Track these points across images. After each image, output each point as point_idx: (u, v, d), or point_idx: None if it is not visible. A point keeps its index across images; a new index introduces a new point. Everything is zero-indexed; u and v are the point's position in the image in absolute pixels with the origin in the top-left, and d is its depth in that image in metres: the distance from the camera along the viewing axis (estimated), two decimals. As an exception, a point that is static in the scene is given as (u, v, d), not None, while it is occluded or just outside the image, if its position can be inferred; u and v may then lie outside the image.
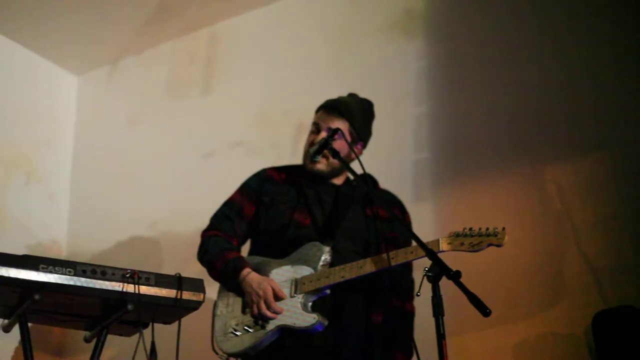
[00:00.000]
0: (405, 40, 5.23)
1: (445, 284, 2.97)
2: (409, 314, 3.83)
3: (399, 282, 3.68)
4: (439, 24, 5.22)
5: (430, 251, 3.11)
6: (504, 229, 3.26)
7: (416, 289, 3.12)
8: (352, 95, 4.06)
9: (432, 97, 5.02)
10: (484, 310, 2.85)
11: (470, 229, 3.31)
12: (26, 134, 6.26)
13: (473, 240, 3.28)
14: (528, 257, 4.29)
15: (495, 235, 3.25)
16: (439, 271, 3.00)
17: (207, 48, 6.17)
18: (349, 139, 3.84)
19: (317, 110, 4.00)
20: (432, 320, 2.95)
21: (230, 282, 3.73)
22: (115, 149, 6.40)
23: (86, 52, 6.48)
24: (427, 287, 3.00)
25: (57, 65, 6.60)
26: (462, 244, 3.30)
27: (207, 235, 3.93)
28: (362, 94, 4.08)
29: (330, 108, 3.94)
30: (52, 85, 6.60)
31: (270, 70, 5.79)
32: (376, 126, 4.07)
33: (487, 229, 3.28)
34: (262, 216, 3.93)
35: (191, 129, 6.04)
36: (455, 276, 2.95)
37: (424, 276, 3.03)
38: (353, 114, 3.91)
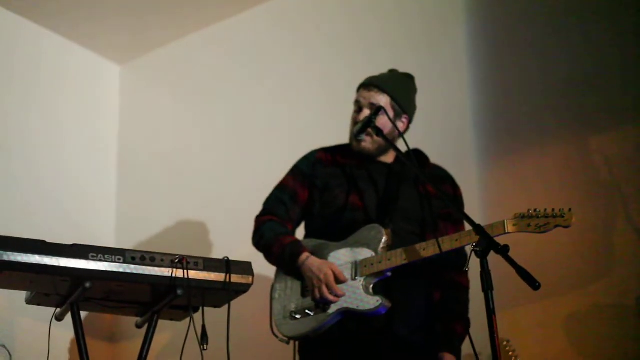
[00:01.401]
0: (451, 13, 5.20)
1: (493, 258, 2.97)
2: (465, 287, 3.82)
3: (452, 257, 3.66)
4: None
5: (478, 226, 3.09)
6: (570, 209, 3.24)
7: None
8: (392, 71, 4.03)
9: (474, 75, 4.98)
10: (534, 284, 2.85)
11: (535, 210, 3.29)
12: (71, 124, 6.31)
13: (539, 221, 3.26)
14: (576, 228, 4.20)
15: (562, 217, 3.24)
16: (487, 246, 2.98)
17: (250, 32, 6.16)
18: (391, 113, 3.81)
19: (358, 89, 3.97)
20: (482, 295, 2.94)
21: (289, 267, 3.74)
22: (160, 136, 6.44)
23: (127, 41, 6.51)
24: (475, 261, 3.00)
25: (98, 55, 6.64)
26: (528, 225, 3.28)
27: (262, 220, 3.93)
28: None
29: (370, 84, 3.91)
30: (94, 75, 6.64)
31: (319, 53, 5.74)
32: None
33: (553, 210, 3.26)
34: (317, 200, 3.93)
35: (237, 114, 6.05)
36: (503, 250, 2.94)
37: (472, 251, 3.02)
38: (393, 88, 3.88)
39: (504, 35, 4.97)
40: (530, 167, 4.62)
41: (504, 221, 3.32)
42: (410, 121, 3.96)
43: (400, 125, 3.85)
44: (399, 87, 3.92)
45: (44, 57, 6.26)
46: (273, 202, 3.97)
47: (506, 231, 3.30)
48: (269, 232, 3.84)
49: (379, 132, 3.65)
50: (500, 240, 3.02)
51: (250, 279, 3.36)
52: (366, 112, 3.81)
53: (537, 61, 4.78)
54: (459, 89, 4.97)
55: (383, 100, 3.83)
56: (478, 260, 2.98)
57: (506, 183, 4.66)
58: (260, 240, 3.88)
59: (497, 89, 4.91)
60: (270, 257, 3.85)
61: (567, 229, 3.26)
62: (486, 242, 2.99)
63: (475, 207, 4.38)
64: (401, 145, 3.67)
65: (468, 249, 3.20)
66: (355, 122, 3.87)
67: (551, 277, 3.88)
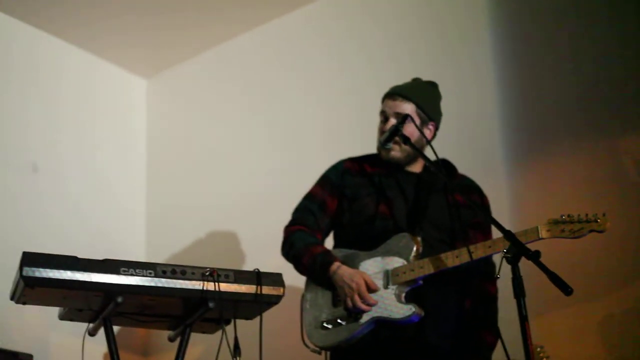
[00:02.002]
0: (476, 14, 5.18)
1: (524, 263, 2.95)
2: (493, 296, 3.80)
3: (481, 265, 3.65)
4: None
5: (508, 232, 3.08)
6: (604, 214, 3.23)
7: (496, 272, 3.11)
8: (415, 79, 4.02)
9: (501, 78, 4.97)
10: (566, 289, 2.83)
11: (569, 215, 3.27)
12: (99, 138, 6.35)
13: (574, 227, 3.25)
14: (607, 231, 4.22)
15: (597, 222, 3.22)
16: (517, 252, 2.97)
17: (275, 41, 6.17)
18: (417, 121, 3.80)
19: (383, 99, 3.96)
20: (514, 302, 2.93)
21: (320, 277, 3.74)
22: (188, 148, 6.46)
23: (153, 55, 6.54)
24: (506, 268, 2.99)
25: (125, 69, 6.68)
26: (562, 230, 3.27)
27: (291, 230, 3.93)
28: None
29: (394, 94, 3.91)
30: (121, 90, 6.69)
31: (347, 61, 5.73)
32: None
33: (587, 215, 3.24)
34: (346, 209, 3.93)
35: (265, 124, 6.06)
36: (534, 256, 2.92)
37: (502, 257, 3.00)
38: (418, 95, 3.87)
39: (532, 35, 4.95)
40: (560, 170, 4.59)
41: (537, 227, 3.30)
42: (437, 128, 3.95)
43: (427, 133, 3.86)
44: (423, 95, 3.91)
45: (70, 73, 6.32)
46: (302, 212, 3.97)
47: (540, 237, 3.29)
48: (299, 242, 3.84)
49: (406, 140, 3.65)
50: (531, 246, 3.00)
51: (282, 290, 3.37)
52: (392, 122, 3.81)
53: (566, 61, 4.75)
54: (485, 92, 4.96)
55: (408, 108, 3.83)
56: (509, 266, 2.97)
57: (535, 187, 4.64)
58: (289, 250, 3.88)
59: (525, 91, 4.89)
60: (300, 267, 3.84)
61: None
62: (517, 248, 2.98)
63: (505, 212, 4.37)
64: (429, 153, 3.66)
65: (497, 256, 3.19)
66: (382, 132, 3.87)
67: (583, 282, 3.84)
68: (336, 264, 3.67)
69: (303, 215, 3.96)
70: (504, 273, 3.03)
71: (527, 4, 5.02)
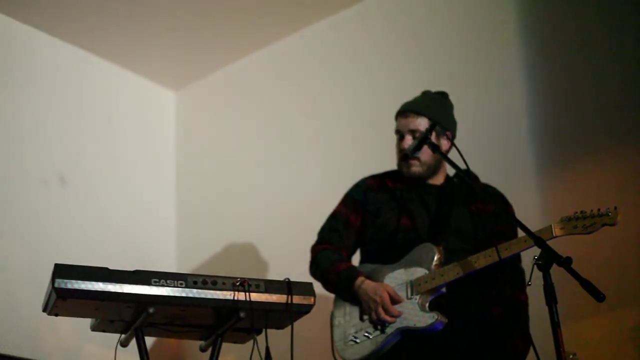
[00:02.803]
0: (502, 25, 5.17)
1: (554, 270, 2.94)
2: (523, 303, 3.80)
3: (510, 273, 3.65)
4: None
5: (539, 239, 3.10)
6: (615, 208, 3.23)
7: (527, 279, 3.10)
8: (424, 92, 4.07)
9: (532, 82, 4.94)
10: (598, 296, 2.83)
11: (582, 211, 3.29)
12: (128, 150, 6.39)
13: (586, 222, 3.26)
14: (638, 237, 4.20)
15: (608, 215, 3.23)
16: (549, 258, 2.97)
17: (304, 52, 6.19)
18: (432, 134, 3.78)
19: (396, 118, 4.01)
20: (545, 308, 2.92)
21: (345, 292, 3.81)
22: (217, 159, 6.48)
23: (181, 67, 6.58)
24: (537, 275, 2.98)
25: (153, 82, 6.72)
26: (575, 227, 3.29)
27: (317, 249, 4.03)
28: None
29: (405, 111, 3.95)
30: (149, 102, 6.72)
31: (379, 76, 5.70)
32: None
33: (599, 209, 3.26)
34: (369, 225, 3.98)
35: (294, 136, 6.07)
36: (566, 263, 2.93)
37: (534, 265, 3.02)
38: (429, 108, 3.91)
39: (564, 37, 4.92)
40: (592, 176, 4.56)
41: (551, 225, 3.33)
42: (454, 137, 3.95)
43: (445, 143, 3.90)
44: (434, 107, 3.95)
45: (100, 85, 6.36)
46: (327, 231, 4.07)
47: (554, 235, 3.31)
48: (325, 260, 3.94)
49: (435, 148, 3.66)
50: (562, 251, 2.99)
51: (312, 299, 3.36)
52: (408, 139, 3.87)
53: (600, 64, 4.71)
54: (512, 95, 4.94)
55: (422, 123, 3.86)
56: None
57: (567, 195, 4.60)
58: (316, 269, 3.98)
59: (557, 96, 4.86)
60: (327, 285, 3.93)
61: (613, 227, 3.25)
62: (548, 255, 2.98)
63: (534, 219, 4.33)
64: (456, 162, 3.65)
65: (526, 264, 3.19)
66: (400, 150, 3.93)
67: (616, 288, 3.83)
68: (360, 279, 3.74)
69: (328, 234, 4.06)
70: (534, 278, 3.02)
71: (560, 4, 4.99)
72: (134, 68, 6.54)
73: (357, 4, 5.83)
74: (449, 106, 4.04)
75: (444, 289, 3.60)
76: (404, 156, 3.88)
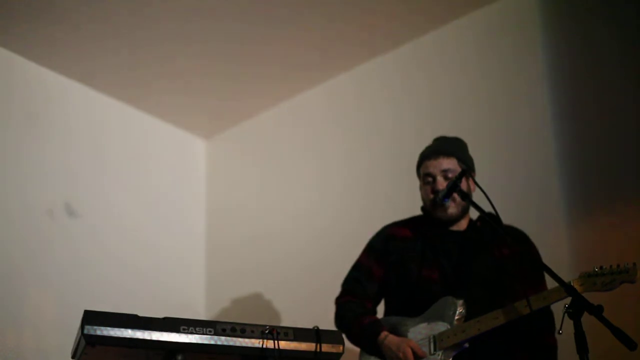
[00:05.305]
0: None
1: (584, 316, 2.93)
2: (554, 347, 3.76)
3: (538, 319, 3.62)
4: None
5: (570, 288, 3.08)
6: (634, 264, 3.21)
7: (556, 325, 3.08)
8: (441, 137, 4.10)
9: (557, 114, 4.91)
10: (630, 344, 2.79)
11: (601, 267, 3.28)
12: (159, 199, 6.43)
13: (605, 279, 3.24)
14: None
15: (627, 272, 3.21)
16: (580, 307, 2.94)
17: (333, 101, 6.22)
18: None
19: (421, 162, 3.99)
20: (577, 357, 2.89)
21: (369, 347, 3.81)
22: (247, 208, 6.51)
23: (212, 116, 6.64)
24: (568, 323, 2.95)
25: (184, 130, 6.78)
26: (594, 284, 3.27)
27: (341, 301, 4.04)
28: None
29: (435, 152, 3.94)
30: (181, 151, 6.78)
31: (406, 117, 5.74)
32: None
33: (618, 265, 3.24)
34: (392, 275, 3.98)
35: (323, 183, 6.09)
36: (597, 311, 2.89)
37: (564, 313, 2.98)
38: (456, 149, 3.95)
39: (590, 85, 4.85)
40: (623, 224, 4.50)
41: (570, 282, 3.27)
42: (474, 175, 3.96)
43: (471, 184, 3.91)
44: (460, 148, 3.98)
45: (131, 134, 6.44)
46: (350, 283, 4.07)
47: None
48: (349, 313, 3.95)
49: (464, 196, 3.66)
50: (594, 300, 2.97)
51: (341, 347, 3.34)
52: (441, 181, 3.85)
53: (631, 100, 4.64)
54: (543, 138, 4.91)
55: (452, 163, 3.88)
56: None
57: (597, 242, 4.54)
58: (341, 322, 3.99)
59: (586, 127, 4.80)
60: (351, 338, 3.90)
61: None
62: (579, 303, 2.95)
63: (564, 264, 4.30)
64: (484, 203, 3.63)
65: (556, 310, 3.16)
66: (433, 191, 3.89)
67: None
68: (384, 334, 3.74)
69: (351, 285, 4.06)
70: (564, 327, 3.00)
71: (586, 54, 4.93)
72: (166, 117, 6.64)
73: (376, 58, 5.93)
74: (466, 146, 4.05)
75: (466, 344, 3.58)
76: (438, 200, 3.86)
